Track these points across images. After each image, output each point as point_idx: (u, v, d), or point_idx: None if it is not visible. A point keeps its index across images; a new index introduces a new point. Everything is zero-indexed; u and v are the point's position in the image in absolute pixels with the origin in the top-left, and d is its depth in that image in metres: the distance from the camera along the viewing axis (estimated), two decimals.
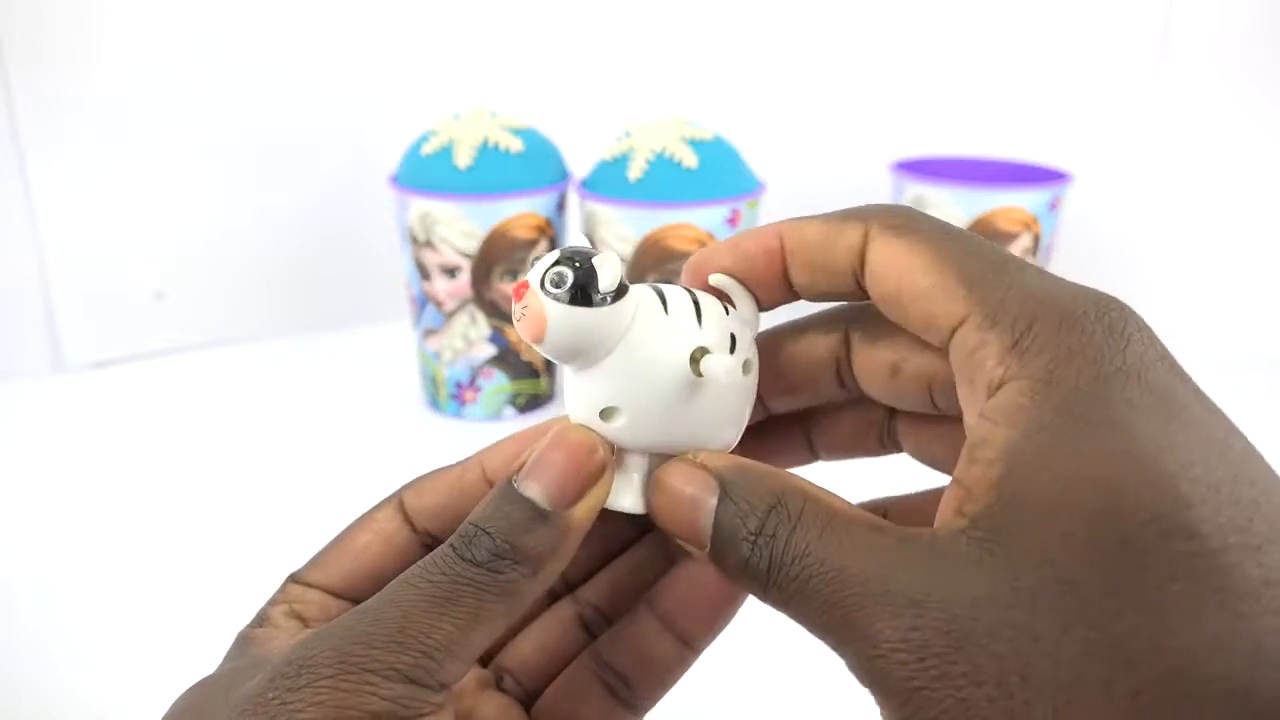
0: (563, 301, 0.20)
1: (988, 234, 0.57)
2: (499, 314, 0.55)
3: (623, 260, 0.21)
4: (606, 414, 0.22)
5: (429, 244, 0.54)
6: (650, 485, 0.22)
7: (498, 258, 0.54)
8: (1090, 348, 0.18)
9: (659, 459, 0.22)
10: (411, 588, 0.20)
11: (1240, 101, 0.64)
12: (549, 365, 0.59)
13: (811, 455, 0.25)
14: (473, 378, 0.57)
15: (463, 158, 0.53)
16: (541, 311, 0.20)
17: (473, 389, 0.57)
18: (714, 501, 0.20)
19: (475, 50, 0.71)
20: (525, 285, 0.21)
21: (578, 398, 0.22)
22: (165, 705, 0.36)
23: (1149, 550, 0.16)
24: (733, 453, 0.22)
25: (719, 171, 0.53)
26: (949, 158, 0.64)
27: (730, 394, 0.22)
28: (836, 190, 0.73)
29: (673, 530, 0.21)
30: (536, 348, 0.21)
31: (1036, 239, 0.57)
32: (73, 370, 0.65)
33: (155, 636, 0.39)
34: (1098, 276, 0.78)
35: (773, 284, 0.22)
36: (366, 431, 0.57)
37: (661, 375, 0.21)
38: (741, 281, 0.23)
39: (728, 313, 0.22)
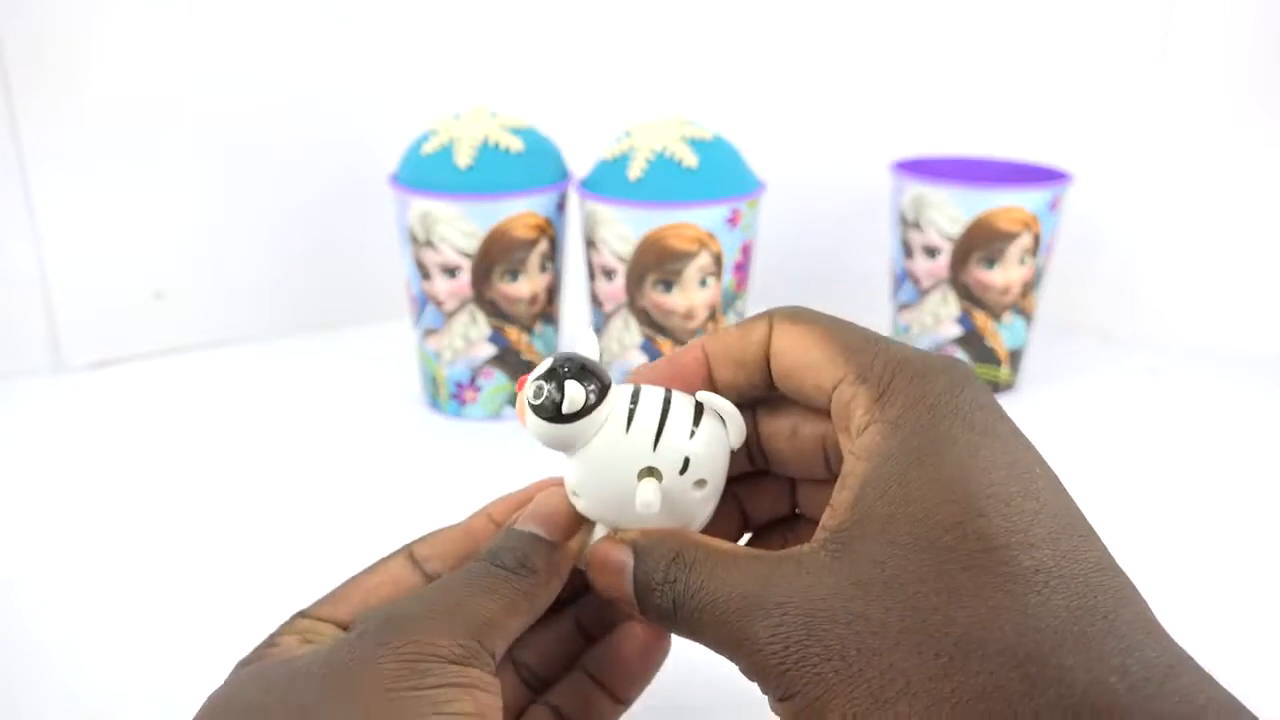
0: (536, 414, 0.26)
1: (988, 234, 0.57)
2: (499, 314, 0.55)
3: (600, 355, 0.26)
4: (573, 493, 0.28)
5: (429, 244, 0.54)
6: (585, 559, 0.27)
7: (498, 257, 0.54)
8: (931, 396, 0.24)
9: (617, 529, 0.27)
10: (456, 580, 0.25)
11: (1240, 101, 0.64)
12: None
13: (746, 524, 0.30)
14: (473, 378, 0.57)
15: (463, 157, 0.53)
16: (523, 412, 0.27)
17: (473, 389, 0.57)
18: (631, 564, 0.25)
19: (475, 50, 0.71)
20: (522, 383, 0.27)
21: (562, 470, 0.28)
22: (165, 705, 0.36)
23: (950, 549, 0.22)
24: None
25: (719, 171, 0.53)
26: (949, 158, 0.64)
27: (678, 503, 0.27)
28: (836, 190, 0.74)
29: (606, 591, 0.26)
30: None
31: (1036, 239, 0.58)
32: (72, 370, 0.65)
33: (156, 636, 0.39)
34: (1097, 276, 0.79)
35: (701, 387, 0.27)
36: (366, 431, 0.57)
37: (612, 484, 0.26)
38: (732, 399, 0.27)
39: (695, 428, 0.26)
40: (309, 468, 0.53)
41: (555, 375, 0.26)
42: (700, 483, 0.27)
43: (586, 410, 0.26)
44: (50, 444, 0.55)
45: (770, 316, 0.27)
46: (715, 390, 0.27)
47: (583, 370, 0.26)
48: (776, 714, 0.23)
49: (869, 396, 0.24)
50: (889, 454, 0.23)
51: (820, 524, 0.24)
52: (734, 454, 0.28)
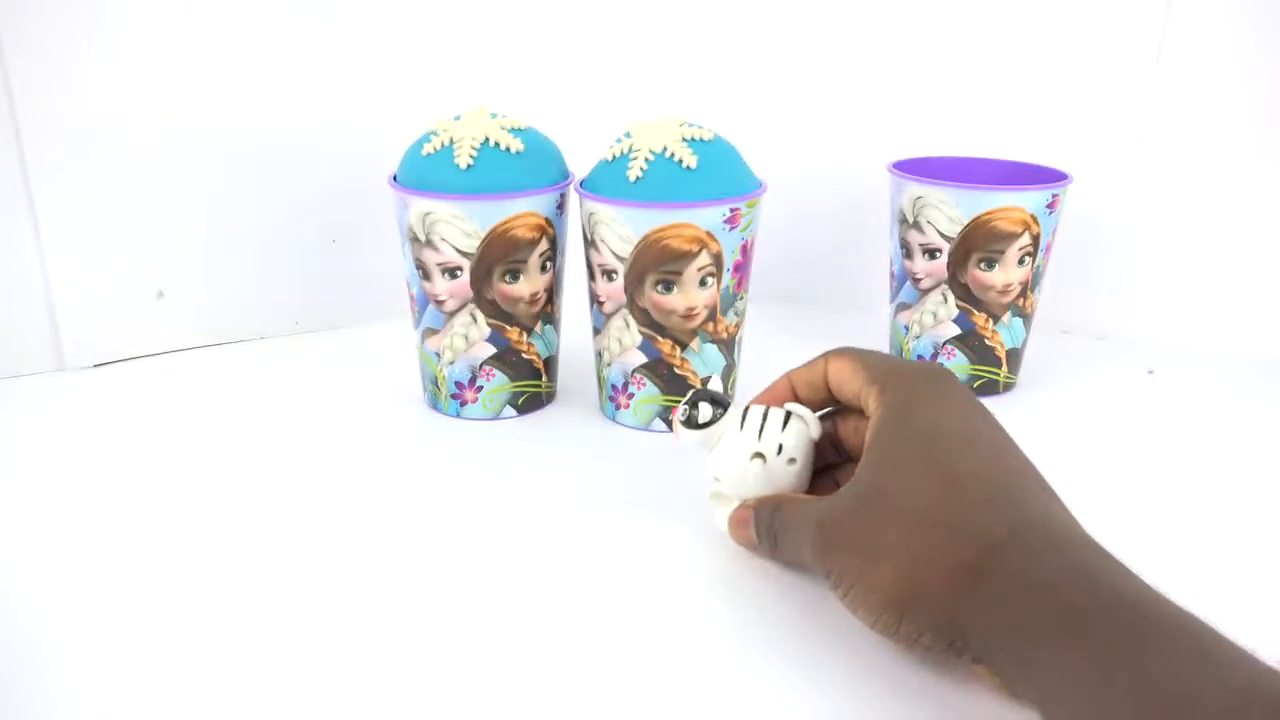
0: (684, 426, 0.44)
1: (987, 234, 0.57)
2: (499, 314, 0.56)
3: (717, 397, 0.44)
4: (714, 478, 0.44)
5: (429, 244, 0.54)
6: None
7: (498, 257, 0.54)
8: (913, 388, 0.39)
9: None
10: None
11: (1238, 103, 0.65)
12: (549, 366, 0.59)
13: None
14: (473, 378, 0.57)
15: (463, 158, 0.53)
16: (677, 429, 0.44)
17: (473, 389, 0.57)
18: (752, 518, 0.43)
19: (475, 50, 0.71)
20: (675, 410, 0.45)
21: (708, 466, 0.44)
22: (165, 705, 0.36)
23: (917, 468, 0.36)
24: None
25: (719, 171, 0.53)
26: (948, 157, 0.64)
27: (778, 474, 0.42)
28: (836, 190, 0.74)
29: (740, 541, 0.44)
30: None
31: (1035, 239, 0.58)
32: (73, 370, 0.65)
33: (156, 635, 0.39)
34: (1096, 277, 0.79)
35: (791, 401, 0.44)
36: (366, 431, 0.57)
37: (736, 466, 0.43)
38: (806, 406, 0.43)
39: (785, 425, 0.42)
40: (309, 468, 0.53)
41: (692, 402, 0.43)
42: (791, 460, 0.42)
43: (714, 420, 0.43)
44: (52, 444, 0.56)
45: (827, 354, 0.43)
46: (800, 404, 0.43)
47: (711, 396, 0.43)
48: (836, 597, 0.37)
49: (877, 391, 0.39)
50: (883, 421, 0.38)
51: (854, 474, 0.38)
52: (820, 445, 0.43)
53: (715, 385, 0.44)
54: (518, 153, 0.54)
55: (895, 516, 0.36)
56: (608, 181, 0.53)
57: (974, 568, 0.33)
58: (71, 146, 0.62)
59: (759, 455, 0.42)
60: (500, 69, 0.71)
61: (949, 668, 0.37)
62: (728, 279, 0.54)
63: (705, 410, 0.43)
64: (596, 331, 0.57)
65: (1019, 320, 0.60)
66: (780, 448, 0.42)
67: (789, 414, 0.42)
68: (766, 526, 0.41)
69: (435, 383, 0.58)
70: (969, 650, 0.34)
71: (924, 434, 0.37)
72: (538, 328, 0.57)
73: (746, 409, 0.43)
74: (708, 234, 0.52)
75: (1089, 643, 0.30)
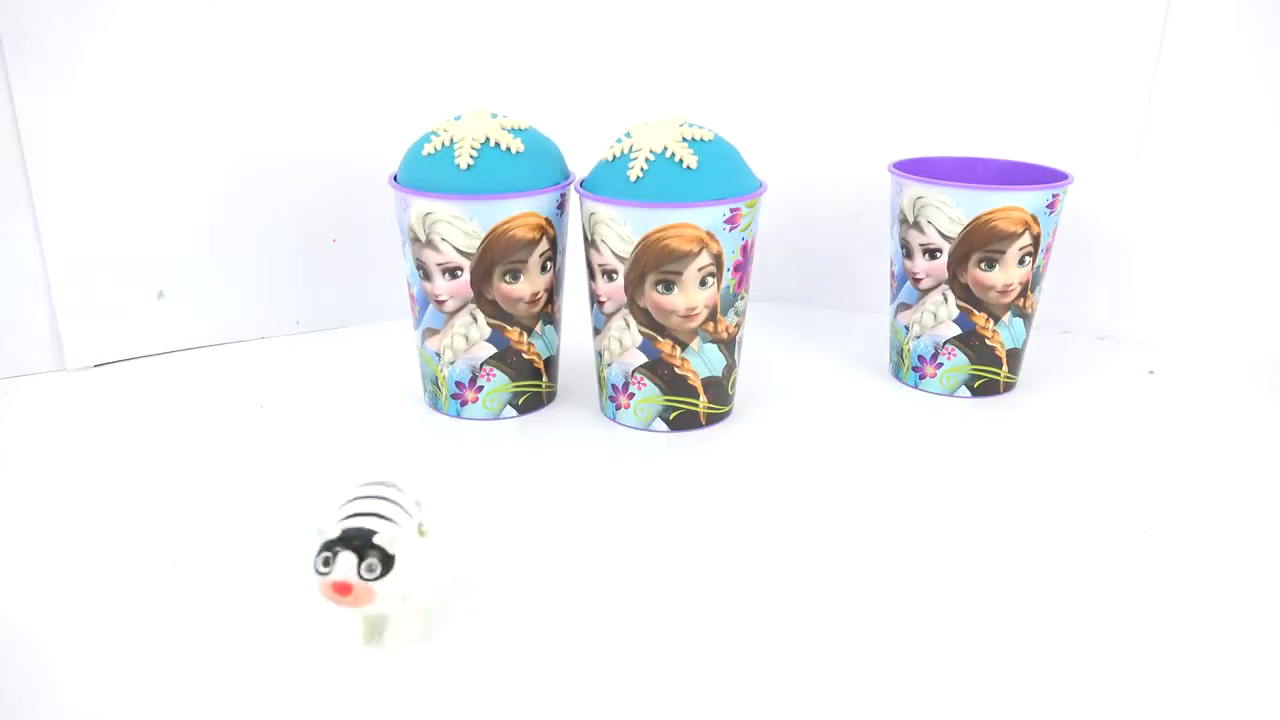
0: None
1: (987, 234, 0.57)
2: (500, 314, 0.56)
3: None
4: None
5: (429, 244, 0.54)
6: None
7: (498, 257, 0.54)
8: None
9: None
10: None
11: (1238, 103, 0.65)
12: (550, 366, 0.59)
13: None
14: (473, 378, 0.57)
15: (463, 158, 0.53)
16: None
17: (473, 389, 0.57)
18: None
19: (475, 50, 0.71)
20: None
21: None
22: (165, 705, 0.36)
23: None
24: None
25: (719, 171, 0.53)
26: (948, 157, 0.64)
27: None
28: (836, 190, 0.74)
29: None
30: None
31: (1035, 239, 0.58)
32: (73, 370, 0.65)
33: (156, 635, 0.39)
34: (1096, 277, 0.79)
35: None
36: (366, 431, 0.57)
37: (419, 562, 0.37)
38: None
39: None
40: (310, 467, 0.53)
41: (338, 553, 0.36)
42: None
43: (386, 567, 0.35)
44: (53, 444, 0.56)
45: None
46: None
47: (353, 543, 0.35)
48: None
49: None
50: None
51: None
52: None
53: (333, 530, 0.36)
54: (518, 153, 0.54)
55: None
56: (608, 181, 0.53)
57: None
58: (71, 146, 0.62)
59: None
60: (500, 69, 0.71)
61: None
62: (728, 279, 0.54)
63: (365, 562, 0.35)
64: (597, 331, 0.57)
65: (1019, 320, 0.60)
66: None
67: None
68: None
69: (435, 383, 0.58)
70: None
71: None
72: (538, 328, 0.57)
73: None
74: (708, 234, 0.52)
75: None
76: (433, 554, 0.38)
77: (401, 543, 0.36)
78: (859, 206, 0.73)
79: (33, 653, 0.38)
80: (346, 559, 0.35)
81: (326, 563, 0.35)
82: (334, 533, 0.35)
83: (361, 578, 0.35)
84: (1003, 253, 0.57)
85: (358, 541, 0.35)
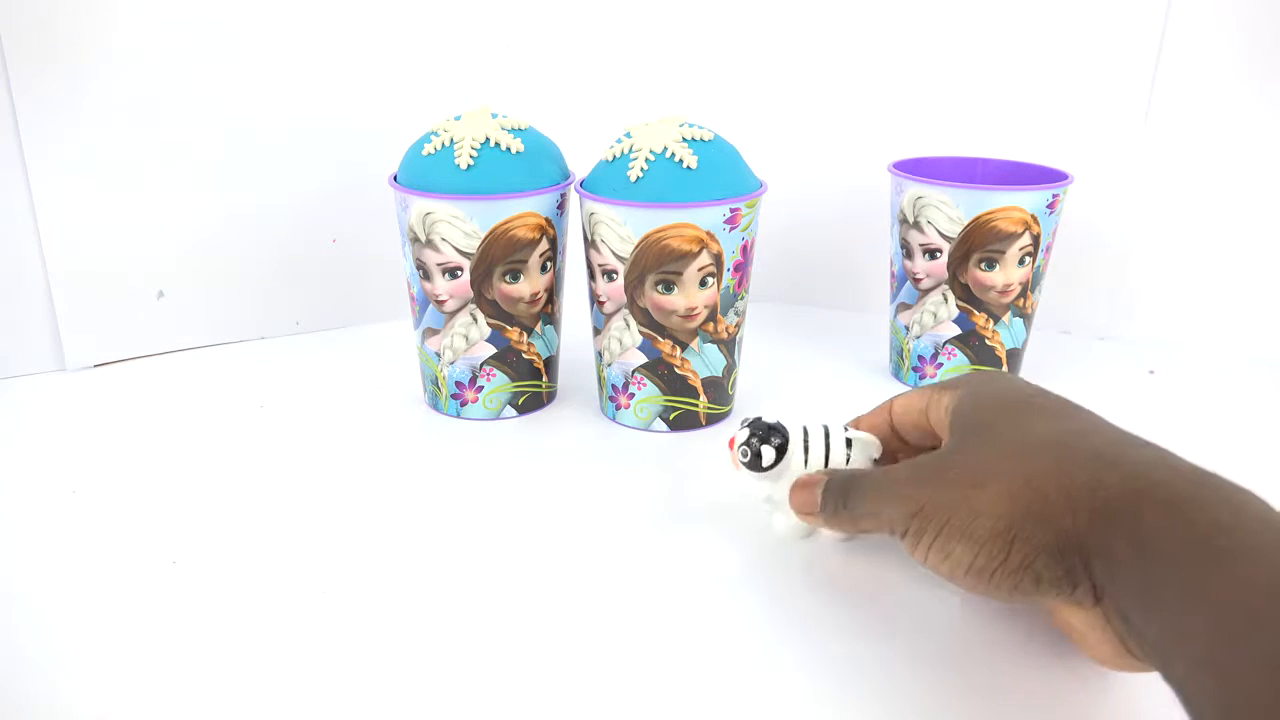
0: (748, 468, 0.43)
1: (987, 234, 0.57)
2: (500, 314, 0.56)
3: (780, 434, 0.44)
4: (776, 510, 0.45)
5: (430, 244, 0.54)
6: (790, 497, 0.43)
7: (498, 257, 0.54)
8: (984, 382, 0.40)
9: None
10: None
11: (1237, 102, 0.65)
12: (549, 366, 0.59)
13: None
14: (473, 378, 0.57)
15: (463, 158, 0.53)
16: (737, 464, 0.43)
17: (473, 389, 0.57)
18: (823, 483, 0.41)
19: (475, 50, 0.71)
20: (732, 442, 0.44)
21: (772, 493, 0.44)
22: (166, 705, 0.36)
23: (1012, 413, 0.37)
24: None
25: (719, 171, 0.53)
26: (948, 157, 0.64)
27: None
28: (836, 190, 0.74)
29: (797, 504, 0.42)
30: None
31: (1035, 239, 0.58)
32: (73, 370, 0.65)
33: (156, 635, 0.39)
34: (1096, 276, 0.79)
35: (885, 431, 0.44)
36: (366, 431, 0.57)
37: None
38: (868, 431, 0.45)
39: (849, 451, 0.43)
40: (310, 468, 0.53)
41: (751, 439, 0.43)
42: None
43: (776, 463, 0.43)
44: (52, 444, 0.56)
45: (890, 399, 0.44)
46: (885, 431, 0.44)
47: (769, 432, 0.43)
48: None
49: (947, 392, 0.40)
50: (961, 400, 0.39)
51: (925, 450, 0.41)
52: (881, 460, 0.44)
53: (769, 415, 0.44)
54: (518, 153, 0.54)
55: (1000, 446, 0.34)
56: (608, 181, 0.53)
57: (1097, 481, 0.31)
58: (71, 147, 0.62)
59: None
60: (500, 69, 0.71)
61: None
62: (728, 279, 0.54)
63: (769, 454, 0.42)
64: (596, 331, 0.57)
65: (1019, 320, 0.60)
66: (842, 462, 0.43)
67: (849, 441, 0.43)
68: (839, 487, 0.39)
69: (435, 383, 0.58)
70: (1089, 575, 0.30)
71: (1009, 398, 0.37)
72: (538, 328, 0.57)
73: (806, 432, 0.43)
74: (708, 234, 0.52)
75: (1238, 568, 0.25)
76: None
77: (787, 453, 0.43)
78: (859, 206, 0.73)
79: (33, 653, 0.38)
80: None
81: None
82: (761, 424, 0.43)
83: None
84: (1003, 253, 0.57)
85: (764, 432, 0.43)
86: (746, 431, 0.43)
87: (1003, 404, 0.37)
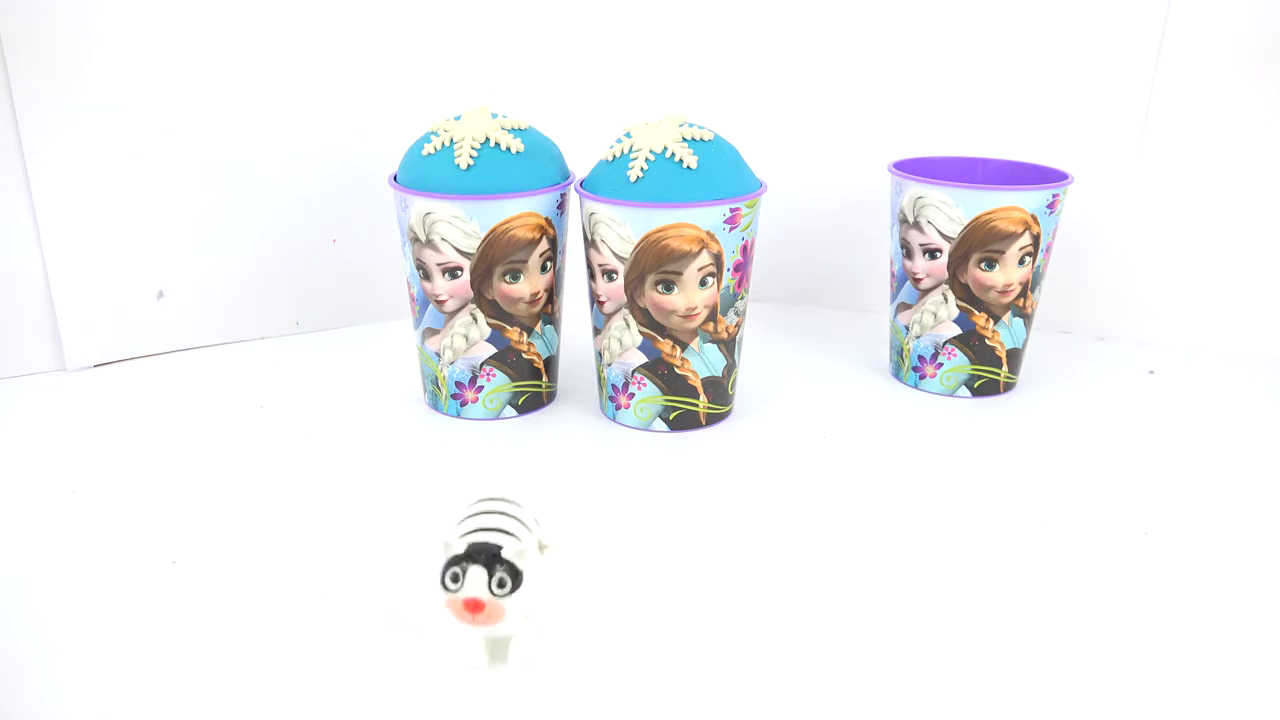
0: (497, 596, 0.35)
1: (987, 234, 0.57)
2: (500, 314, 0.56)
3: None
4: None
5: (430, 244, 0.54)
6: None
7: (498, 257, 0.54)
8: None
9: None
10: None
11: (1237, 103, 0.65)
12: (549, 366, 0.59)
13: None
14: (473, 378, 0.57)
15: (463, 158, 0.53)
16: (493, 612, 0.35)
17: (473, 389, 0.57)
18: None
19: (475, 50, 0.71)
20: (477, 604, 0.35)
21: None
22: (166, 705, 0.36)
23: None
24: None
25: (719, 171, 0.53)
26: (948, 157, 0.64)
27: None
28: (836, 190, 0.74)
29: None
30: None
31: (1035, 239, 0.58)
32: (73, 370, 0.65)
33: (156, 635, 0.39)
34: (1096, 277, 0.79)
35: None
36: (366, 431, 0.57)
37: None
38: None
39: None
40: (309, 468, 0.53)
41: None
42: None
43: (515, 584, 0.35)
44: (52, 444, 0.56)
45: None
46: None
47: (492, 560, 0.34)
48: None
49: None
50: None
51: None
52: None
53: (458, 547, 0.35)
54: (518, 153, 0.54)
55: None
56: (608, 181, 0.53)
57: None
58: (71, 147, 0.62)
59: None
60: (500, 69, 0.71)
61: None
62: (728, 279, 0.54)
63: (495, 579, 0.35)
64: (596, 331, 0.57)
65: (1019, 320, 0.60)
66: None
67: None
68: None
69: (435, 383, 0.58)
70: None
71: None
72: (538, 328, 0.57)
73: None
74: (708, 234, 0.52)
75: None
76: (553, 570, 0.37)
77: (528, 558, 0.35)
78: (859, 206, 0.73)
79: (33, 653, 0.38)
80: (477, 574, 0.34)
81: (455, 578, 0.34)
82: (460, 548, 0.34)
83: (492, 594, 0.34)
84: (1003, 253, 0.57)
85: (485, 557, 0.34)
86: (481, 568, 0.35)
87: None
